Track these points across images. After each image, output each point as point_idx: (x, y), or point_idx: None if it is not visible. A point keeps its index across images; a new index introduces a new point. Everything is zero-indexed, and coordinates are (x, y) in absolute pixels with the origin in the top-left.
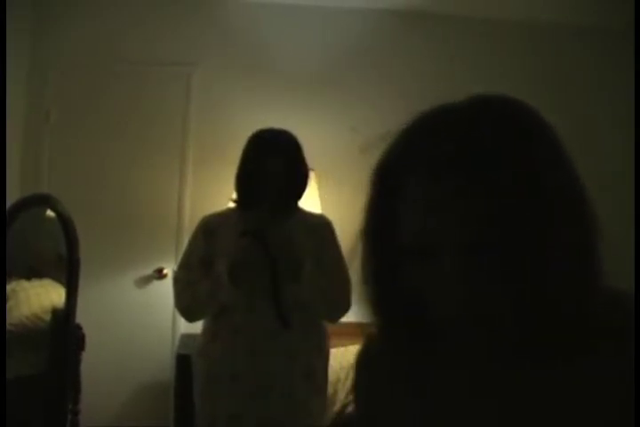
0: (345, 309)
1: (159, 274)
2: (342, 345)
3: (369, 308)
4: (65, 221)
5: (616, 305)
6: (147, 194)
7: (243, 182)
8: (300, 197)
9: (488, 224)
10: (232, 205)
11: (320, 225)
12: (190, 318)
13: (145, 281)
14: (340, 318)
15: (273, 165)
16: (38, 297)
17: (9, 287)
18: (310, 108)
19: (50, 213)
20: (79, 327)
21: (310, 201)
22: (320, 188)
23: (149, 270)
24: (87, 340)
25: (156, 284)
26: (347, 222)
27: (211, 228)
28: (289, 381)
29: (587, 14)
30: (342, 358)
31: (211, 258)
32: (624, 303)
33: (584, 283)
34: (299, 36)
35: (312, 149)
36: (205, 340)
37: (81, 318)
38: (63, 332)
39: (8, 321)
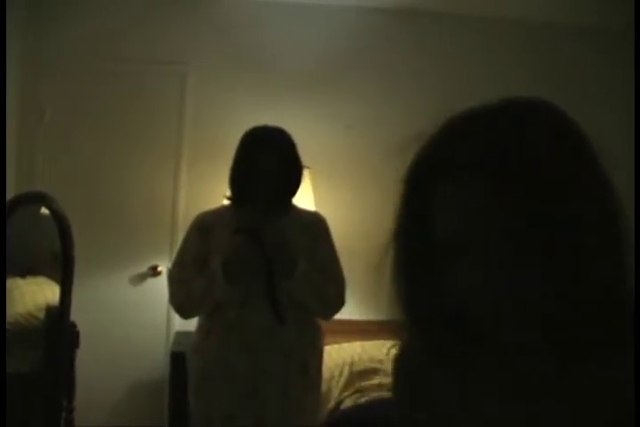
0: (339, 306)
1: (153, 271)
2: (336, 343)
3: (400, 308)
4: (60, 219)
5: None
6: (141, 192)
7: (237, 180)
8: (294, 194)
9: (522, 224)
10: (226, 202)
11: (314, 222)
12: (185, 315)
13: (139, 279)
14: (333, 315)
15: (267, 163)
16: (33, 295)
17: None
18: (305, 106)
19: (44, 210)
20: (74, 325)
21: (305, 199)
22: (314, 186)
23: (144, 268)
24: (82, 337)
25: (151, 281)
26: (341, 221)
27: (205, 225)
28: (284, 378)
29: (585, 14)
30: (336, 355)
31: (205, 255)
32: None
33: (617, 283)
34: (294, 35)
35: (307, 147)
36: (200, 337)
37: (76, 315)
38: (58, 329)
39: None
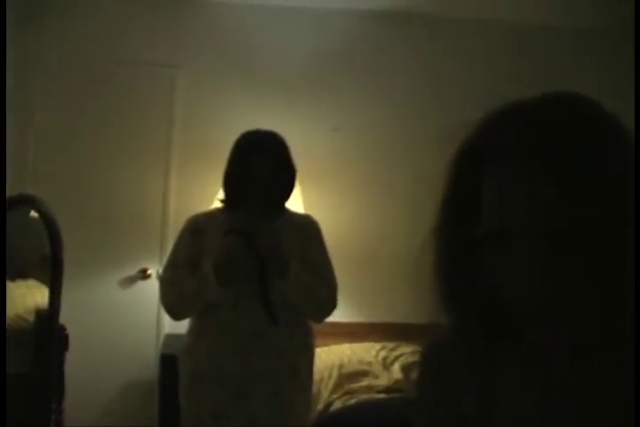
0: (331, 308)
1: (143, 274)
2: (326, 345)
3: (441, 304)
4: (49, 222)
5: None
6: (131, 195)
7: (230, 183)
8: (287, 197)
9: (566, 220)
10: (219, 204)
11: (306, 224)
12: (176, 316)
13: (129, 281)
14: (325, 317)
15: (260, 166)
16: (22, 298)
17: None
18: (294, 109)
19: (34, 213)
20: (63, 328)
21: (293, 202)
22: (303, 188)
23: (134, 271)
24: (72, 340)
25: (141, 284)
26: (330, 223)
27: (198, 227)
28: (275, 380)
29: (580, 15)
30: (326, 357)
31: (197, 257)
32: None
33: None
34: (283, 38)
35: (295, 149)
36: (191, 339)
37: (66, 318)
38: (47, 332)
39: None
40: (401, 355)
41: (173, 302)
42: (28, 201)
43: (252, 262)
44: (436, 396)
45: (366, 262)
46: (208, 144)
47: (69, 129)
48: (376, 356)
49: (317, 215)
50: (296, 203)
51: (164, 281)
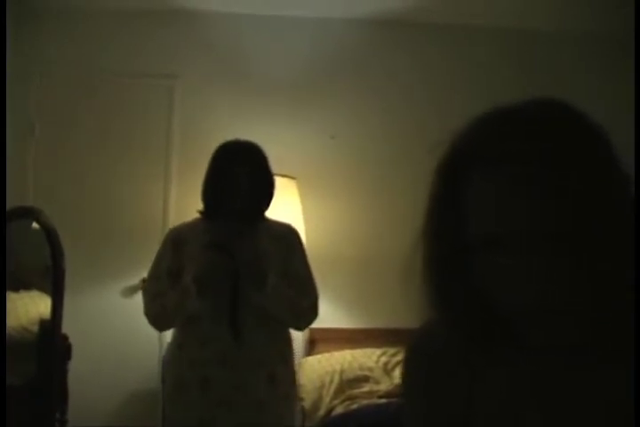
0: (312, 318)
1: (144, 284)
2: (327, 351)
3: (431, 304)
4: (49, 232)
5: None
6: (132, 205)
7: (209, 193)
8: (267, 206)
9: (553, 221)
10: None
11: (286, 234)
12: (160, 327)
13: (131, 291)
14: (306, 326)
15: (239, 177)
16: (26, 308)
17: None
18: (291, 117)
19: (36, 225)
20: (66, 337)
21: (292, 209)
22: (302, 196)
23: (135, 280)
24: (75, 350)
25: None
26: (329, 230)
27: (178, 239)
28: (256, 389)
29: (579, 21)
30: (327, 363)
31: (179, 269)
32: None
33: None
34: (280, 47)
35: (294, 157)
36: (174, 349)
37: (69, 328)
38: (49, 342)
39: None
40: (402, 360)
41: (156, 314)
42: (28, 213)
43: (231, 276)
44: (423, 392)
45: (366, 268)
46: (207, 153)
47: (69, 141)
48: (377, 361)
49: (316, 221)
50: (295, 210)
51: (147, 293)
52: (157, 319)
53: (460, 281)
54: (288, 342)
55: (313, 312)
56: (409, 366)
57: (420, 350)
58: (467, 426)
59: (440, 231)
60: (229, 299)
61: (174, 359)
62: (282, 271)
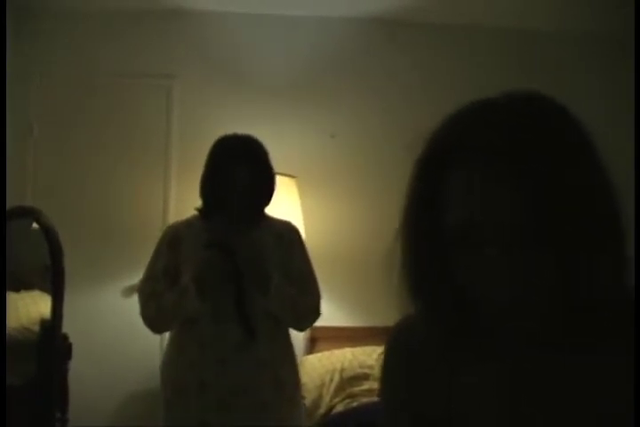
0: (314, 318)
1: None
2: (327, 349)
3: (408, 293)
4: (48, 232)
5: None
6: (131, 205)
7: (207, 190)
8: (267, 203)
9: (532, 214)
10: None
11: (287, 232)
12: (156, 329)
13: (131, 291)
14: (308, 327)
15: (238, 172)
16: (27, 308)
17: None
18: (292, 116)
19: (35, 225)
20: (66, 337)
21: (292, 208)
22: (302, 195)
23: (135, 280)
24: (76, 350)
25: None
26: (329, 228)
27: (175, 238)
28: (259, 393)
29: (578, 21)
30: (327, 361)
31: (175, 268)
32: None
33: (618, 275)
34: (280, 47)
35: (294, 156)
36: (172, 351)
37: (69, 327)
38: (49, 342)
39: None
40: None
41: (152, 316)
42: (28, 213)
43: (232, 275)
44: (403, 388)
45: (366, 267)
46: (206, 153)
47: (68, 142)
48: (377, 359)
49: (316, 220)
50: (295, 209)
51: (143, 293)
52: (153, 321)
53: (438, 276)
54: (291, 343)
55: (315, 312)
56: (388, 362)
57: (400, 346)
58: (447, 421)
59: (419, 225)
60: (235, 299)
61: (173, 362)
62: (283, 271)
